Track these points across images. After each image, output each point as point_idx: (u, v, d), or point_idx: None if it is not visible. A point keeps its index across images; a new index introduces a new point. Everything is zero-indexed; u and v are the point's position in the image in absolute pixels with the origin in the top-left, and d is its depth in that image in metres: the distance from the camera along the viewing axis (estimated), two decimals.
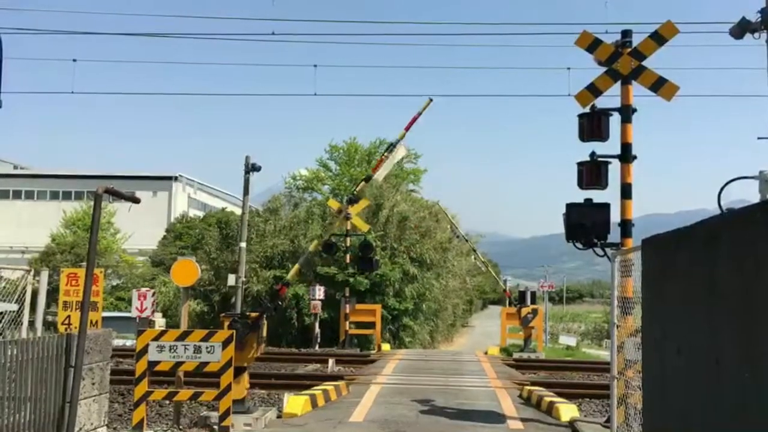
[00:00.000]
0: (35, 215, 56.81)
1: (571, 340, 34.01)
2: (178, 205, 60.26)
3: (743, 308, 3.29)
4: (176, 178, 61.77)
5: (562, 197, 9.66)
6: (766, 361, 2.99)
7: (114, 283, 42.98)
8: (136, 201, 6.89)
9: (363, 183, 10.32)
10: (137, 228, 48.25)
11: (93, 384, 6.37)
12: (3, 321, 10.16)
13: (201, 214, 53.66)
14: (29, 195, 61.48)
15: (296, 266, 10.17)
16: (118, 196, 6.64)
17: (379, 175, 10.36)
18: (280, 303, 9.76)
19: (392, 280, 25.90)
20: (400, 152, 10.38)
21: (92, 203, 6.38)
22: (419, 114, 10.33)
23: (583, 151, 9.48)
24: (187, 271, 9.59)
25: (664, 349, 4.65)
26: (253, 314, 9.71)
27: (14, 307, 10.29)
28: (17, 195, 61.54)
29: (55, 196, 60.38)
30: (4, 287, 10.68)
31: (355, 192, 10.39)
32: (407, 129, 10.24)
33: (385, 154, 10.19)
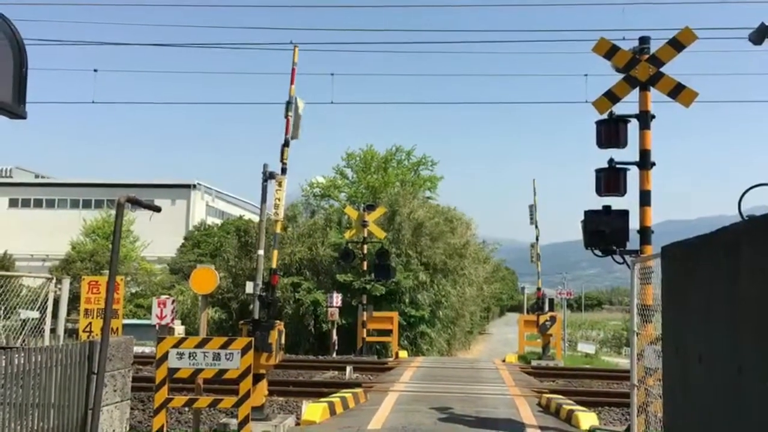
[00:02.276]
0: (56, 224, 57.43)
1: (589, 348, 33.73)
2: (197, 213, 60.69)
3: (765, 319, 3.26)
4: (194, 186, 62.23)
5: (581, 204, 9.64)
6: None
7: (133, 291, 43.33)
8: (157, 210, 6.97)
9: (285, 148, 10.28)
10: (156, 236, 48.64)
11: (115, 391, 6.44)
12: (26, 328, 10.30)
13: (219, 221, 53.98)
14: (50, 204, 62.23)
15: (275, 251, 10.21)
16: (139, 205, 6.71)
17: (294, 135, 10.39)
18: (275, 290, 9.82)
19: (407, 288, 25.90)
20: (300, 106, 10.51)
21: (111, 212, 6.48)
22: (294, 64, 10.69)
23: (602, 157, 9.46)
24: (207, 278, 9.67)
25: (685, 356, 4.62)
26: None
27: (36, 314, 10.43)
28: (38, 204, 62.31)
29: (75, 204, 61.07)
30: (26, 295, 10.84)
31: (281, 160, 10.28)
32: (293, 83, 10.56)
33: (289, 114, 10.27)
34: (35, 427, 5.33)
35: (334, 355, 21.65)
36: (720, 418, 3.91)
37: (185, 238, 50.50)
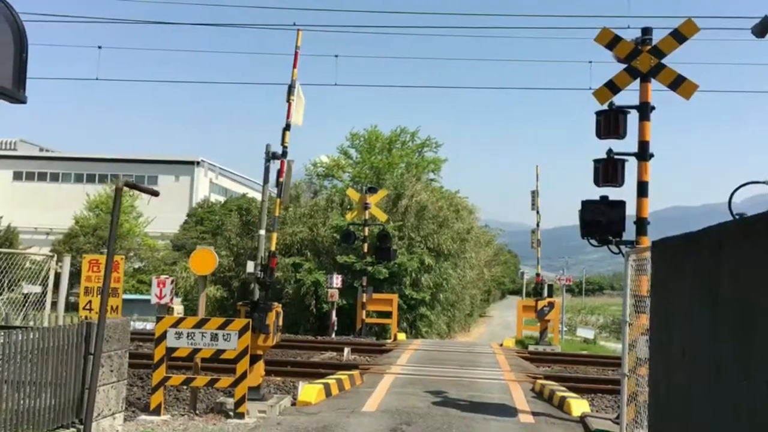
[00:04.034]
0: (60, 197, 57.63)
1: (588, 333, 33.90)
2: (200, 190, 60.77)
3: (743, 319, 3.34)
4: (198, 163, 62.22)
5: (589, 188, 9.64)
6: (762, 373, 3.04)
7: (136, 266, 43.57)
8: (155, 194, 7.04)
9: (287, 132, 10.31)
10: (159, 212, 48.81)
11: (111, 371, 6.56)
12: (27, 302, 10.46)
13: (222, 199, 54.06)
14: (54, 177, 62.29)
15: (273, 234, 10.27)
16: (138, 189, 6.78)
17: (296, 120, 10.41)
18: (274, 273, 9.88)
19: (409, 270, 26.01)
20: (301, 91, 10.58)
21: (115, 186, 6.55)
22: (297, 48, 10.65)
23: (608, 142, 9.47)
24: (206, 259, 9.77)
25: (669, 351, 4.70)
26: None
27: (38, 289, 10.58)
28: (42, 177, 62.40)
29: (79, 179, 61.16)
30: (30, 268, 10.98)
31: (282, 143, 10.27)
32: (295, 66, 10.58)
33: (292, 98, 10.29)
34: (32, 405, 5.45)
35: (333, 335, 21.82)
36: (699, 413, 4.01)
37: (188, 215, 50.66)
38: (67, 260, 10.37)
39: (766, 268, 3.05)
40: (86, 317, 8.87)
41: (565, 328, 32.55)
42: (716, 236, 3.80)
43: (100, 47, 20.35)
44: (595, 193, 9.45)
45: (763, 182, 5.18)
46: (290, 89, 10.41)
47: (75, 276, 13.61)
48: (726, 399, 3.50)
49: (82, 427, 6.00)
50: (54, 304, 10.55)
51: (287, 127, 10.35)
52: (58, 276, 10.55)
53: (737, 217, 4.94)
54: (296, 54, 10.68)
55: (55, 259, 10.45)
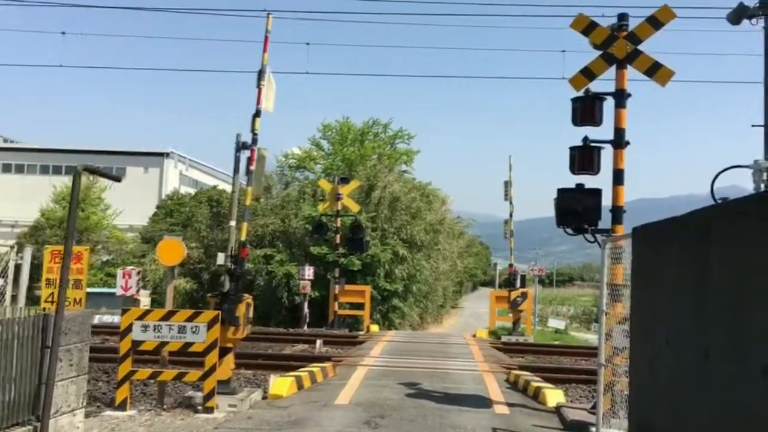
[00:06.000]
0: (25, 189, 56.37)
1: (559, 323, 34.12)
2: (170, 182, 59.90)
3: (734, 304, 3.21)
4: (168, 155, 61.30)
5: (556, 179, 9.57)
6: (755, 359, 2.90)
7: (104, 259, 42.77)
8: (117, 180, 6.76)
9: (257, 119, 10.07)
10: (128, 204, 48.02)
11: (71, 365, 6.26)
12: None
13: (192, 191, 53.33)
14: (19, 169, 60.93)
15: (244, 224, 10.01)
16: (98, 174, 6.49)
17: (266, 106, 10.18)
18: (244, 264, 9.63)
19: (383, 261, 25.86)
20: (271, 76, 10.39)
21: (82, 179, 6.24)
22: (267, 32, 10.46)
23: (579, 133, 9.39)
24: (173, 250, 9.48)
25: (653, 339, 4.58)
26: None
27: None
28: (7, 168, 61.00)
29: (45, 170, 59.87)
30: None
31: (252, 130, 10.00)
32: (266, 51, 10.38)
33: (262, 83, 10.08)
34: None
35: (306, 328, 21.58)
36: (685, 401, 3.87)
37: (158, 207, 49.85)
38: (28, 251, 10.00)
39: (759, 252, 2.92)
40: (44, 309, 8.53)
41: (537, 319, 32.68)
42: (704, 220, 3.66)
43: (64, 33, 19.84)
44: (564, 183, 9.34)
45: (745, 166, 5.07)
46: (260, 74, 10.15)
47: (39, 269, 13.16)
48: (716, 386, 3.38)
49: (38, 424, 5.70)
50: (14, 298, 10.16)
51: (257, 114, 10.09)
52: (18, 268, 10.17)
53: (720, 201, 4.83)
54: (266, 38, 10.42)
55: (15, 250, 10.08)
